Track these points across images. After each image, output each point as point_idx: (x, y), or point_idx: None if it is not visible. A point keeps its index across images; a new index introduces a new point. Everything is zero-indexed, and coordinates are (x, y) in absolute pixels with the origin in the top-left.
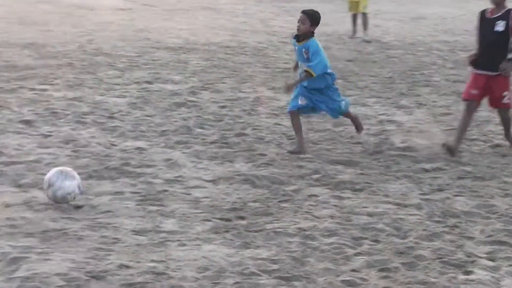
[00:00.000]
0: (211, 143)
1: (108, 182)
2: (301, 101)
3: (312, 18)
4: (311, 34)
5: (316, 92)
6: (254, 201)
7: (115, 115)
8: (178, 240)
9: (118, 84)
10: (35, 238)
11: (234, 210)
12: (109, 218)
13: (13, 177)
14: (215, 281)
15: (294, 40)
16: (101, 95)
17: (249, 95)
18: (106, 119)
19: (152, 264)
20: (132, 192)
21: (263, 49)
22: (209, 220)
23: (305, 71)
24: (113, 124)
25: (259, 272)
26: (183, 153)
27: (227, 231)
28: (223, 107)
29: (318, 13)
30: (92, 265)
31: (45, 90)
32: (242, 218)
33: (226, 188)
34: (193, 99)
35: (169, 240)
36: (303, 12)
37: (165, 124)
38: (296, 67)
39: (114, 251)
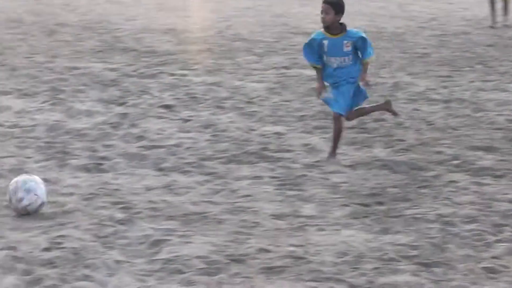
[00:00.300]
0: (350, 128)
1: (247, 167)
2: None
3: (335, 6)
4: (342, 24)
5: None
6: (393, 187)
7: (253, 100)
8: (317, 225)
9: (256, 69)
10: (176, 221)
11: (372, 196)
12: (248, 202)
13: (155, 160)
14: (354, 266)
15: (322, 33)
16: (240, 80)
17: (387, 80)
18: (244, 104)
19: (291, 249)
20: (271, 177)
21: (401, 34)
22: (347, 205)
23: (365, 63)
24: (252, 109)
25: (398, 258)
26: (321, 138)
27: (366, 217)
28: None
29: (342, 0)
30: (232, 249)
31: (185, 75)
32: (381, 203)
33: (364, 173)
34: None
35: (308, 225)
36: (325, 1)
37: (303, 109)
38: (320, 72)
39: (253, 235)
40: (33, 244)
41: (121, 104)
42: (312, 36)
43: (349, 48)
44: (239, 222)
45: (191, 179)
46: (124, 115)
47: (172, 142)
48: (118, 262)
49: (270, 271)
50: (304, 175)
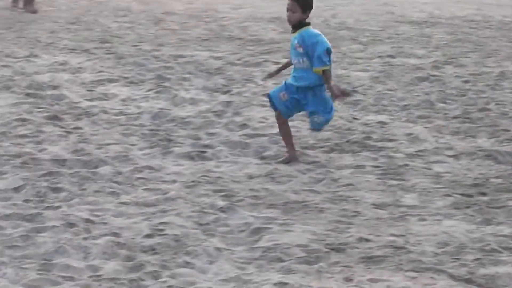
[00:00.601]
0: (454, 118)
1: (349, 156)
2: (283, 97)
3: (302, 3)
4: (307, 23)
5: (307, 91)
6: (497, 177)
7: (357, 89)
8: (418, 215)
9: (360, 58)
10: (277, 210)
11: (475, 186)
12: (349, 191)
13: (257, 149)
14: (455, 257)
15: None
16: (344, 69)
17: (493, 69)
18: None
19: (391, 238)
20: (373, 166)
21: (508, 23)
22: (450, 195)
23: (321, 71)
24: (355, 98)
25: (500, 249)
26: (425, 127)
27: (468, 207)
28: (466, 81)
29: None
30: (332, 238)
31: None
32: (483, 194)
33: (468, 163)
34: (436, 73)
35: (409, 215)
36: None
37: (407, 98)
38: (285, 66)
39: (354, 224)
40: (135, 230)
41: (225, 93)
42: None
43: (301, 50)
44: (339, 211)
45: (292, 168)
46: (228, 103)
47: (275, 130)
48: (218, 249)
49: (370, 260)
50: (407, 165)
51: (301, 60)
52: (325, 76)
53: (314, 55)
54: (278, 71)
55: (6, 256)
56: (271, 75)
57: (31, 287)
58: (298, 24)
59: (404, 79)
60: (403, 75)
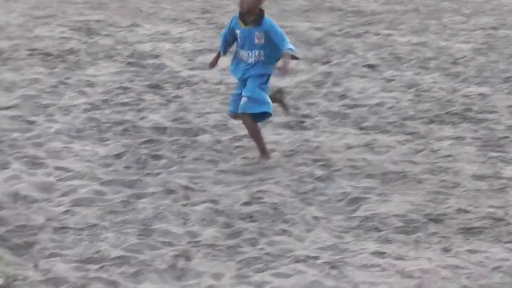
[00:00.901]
0: None
1: (449, 127)
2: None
3: None
4: (261, 12)
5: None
6: None
7: (458, 60)
8: None
9: (463, 30)
10: (375, 180)
11: None
12: (449, 162)
13: (356, 119)
14: None
15: (236, 20)
16: (445, 41)
17: None
18: (449, 64)
19: (491, 210)
20: (473, 138)
21: None
22: None
23: (285, 56)
24: (456, 70)
25: None
26: None
27: None
28: None
29: None
30: (430, 208)
31: (390, 35)
32: None
33: None
34: None
35: (509, 187)
36: None
37: (509, 70)
38: (217, 58)
39: (453, 195)
40: (234, 198)
41: (325, 63)
42: (231, 19)
43: (262, 41)
44: (438, 182)
45: (391, 138)
46: (327, 74)
47: (375, 101)
48: (316, 218)
49: (468, 231)
50: (507, 137)
51: (257, 53)
52: (288, 57)
53: (283, 39)
54: (217, 59)
55: (107, 221)
56: (212, 64)
57: (131, 252)
58: (252, 12)
59: (507, 51)
60: (506, 47)
